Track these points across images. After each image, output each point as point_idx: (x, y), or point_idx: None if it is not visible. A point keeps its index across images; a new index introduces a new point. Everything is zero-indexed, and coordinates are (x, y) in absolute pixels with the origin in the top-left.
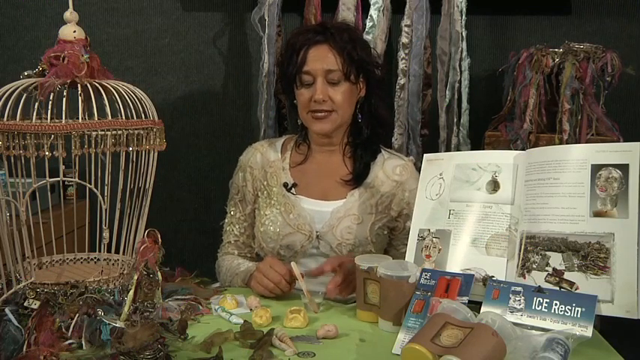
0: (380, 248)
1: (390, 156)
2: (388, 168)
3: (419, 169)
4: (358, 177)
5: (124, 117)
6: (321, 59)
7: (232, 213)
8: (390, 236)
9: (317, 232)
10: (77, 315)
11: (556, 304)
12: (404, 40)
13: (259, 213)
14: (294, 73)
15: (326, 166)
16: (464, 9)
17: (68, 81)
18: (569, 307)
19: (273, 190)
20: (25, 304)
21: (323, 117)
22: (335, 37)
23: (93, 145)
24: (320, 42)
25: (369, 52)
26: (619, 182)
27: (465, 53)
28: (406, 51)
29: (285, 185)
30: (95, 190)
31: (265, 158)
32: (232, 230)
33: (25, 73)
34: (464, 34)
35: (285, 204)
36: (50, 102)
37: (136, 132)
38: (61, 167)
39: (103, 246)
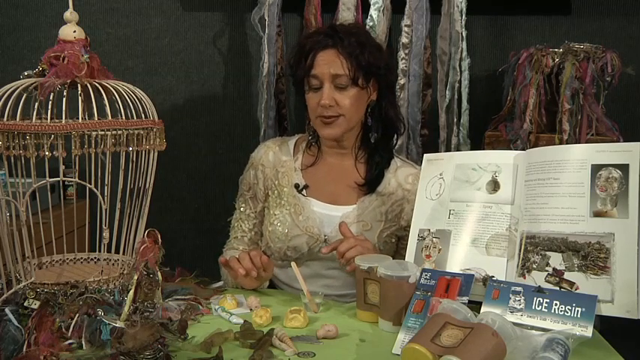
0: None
1: (402, 164)
2: (401, 176)
3: None
4: (371, 183)
5: (124, 117)
6: (329, 63)
7: (242, 209)
8: (400, 245)
9: (325, 235)
10: (77, 315)
11: (556, 304)
12: (404, 40)
13: (269, 212)
14: (303, 77)
15: (337, 169)
16: (464, 9)
17: (68, 81)
18: (569, 307)
19: (284, 191)
20: (25, 304)
21: (330, 122)
22: (343, 41)
23: (93, 145)
24: (329, 46)
25: (379, 55)
26: (619, 182)
27: (465, 53)
28: (406, 51)
29: (297, 186)
30: (95, 190)
31: (277, 157)
32: (240, 226)
33: (25, 73)
34: (464, 34)
35: (295, 205)
36: (50, 102)
37: (136, 132)
38: (61, 167)
39: (103, 246)
